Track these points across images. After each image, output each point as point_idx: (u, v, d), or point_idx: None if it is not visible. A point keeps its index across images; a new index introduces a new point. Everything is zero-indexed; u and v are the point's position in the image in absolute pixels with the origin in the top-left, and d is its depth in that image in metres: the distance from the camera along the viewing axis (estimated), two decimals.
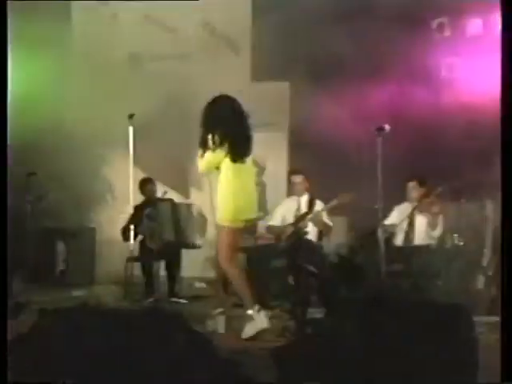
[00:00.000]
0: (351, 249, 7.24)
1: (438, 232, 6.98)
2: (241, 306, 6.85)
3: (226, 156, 5.50)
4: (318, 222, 7.29)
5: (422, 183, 7.28)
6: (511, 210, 3.48)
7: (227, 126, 5.54)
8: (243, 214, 5.54)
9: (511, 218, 3.46)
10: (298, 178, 7.53)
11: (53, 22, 8.89)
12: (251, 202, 5.65)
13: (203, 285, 8.68)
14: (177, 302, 7.04)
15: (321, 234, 7.37)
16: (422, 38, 7.77)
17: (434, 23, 7.45)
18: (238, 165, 5.53)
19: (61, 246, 8.76)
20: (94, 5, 10.15)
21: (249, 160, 5.66)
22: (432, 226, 7.05)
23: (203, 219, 7.66)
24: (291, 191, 7.71)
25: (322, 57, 8.66)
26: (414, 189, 7.30)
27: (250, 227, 9.11)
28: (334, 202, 7.25)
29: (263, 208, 9.48)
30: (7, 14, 3.99)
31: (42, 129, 8.60)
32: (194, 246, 7.61)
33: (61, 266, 8.74)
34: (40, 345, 3.35)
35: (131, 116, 6.68)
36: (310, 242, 7.25)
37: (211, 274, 9.19)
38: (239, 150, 5.56)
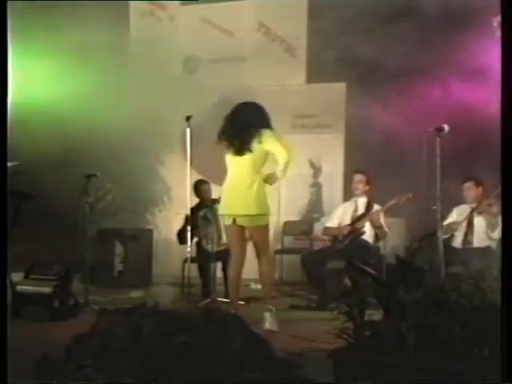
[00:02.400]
0: (409, 250, 7.17)
1: (497, 233, 6.85)
2: (297, 307, 6.91)
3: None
4: (375, 222, 7.25)
5: (478, 184, 7.18)
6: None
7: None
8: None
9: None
10: (359, 177, 7.48)
11: (112, 27, 9.00)
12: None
13: (259, 286, 8.67)
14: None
15: (377, 237, 7.33)
16: (483, 36, 7.63)
17: (495, 20, 7.31)
18: None
19: (119, 248, 8.86)
20: (151, 8, 10.29)
21: None
22: (492, 227, 6.93)
23: None
24: (351, 190, 7.65)
25: (378, 57, 8.60)
26: (470, 190, 7.20)
27: (305, 229, 9.18)
28: (391, 202, 7.21)
29: (319, 209, 9.46)
30: (7, 14, 4.01)
31: (100, 131, 8.72)
32: None
33: (119, 267, 8.83)
34: (100, 344, 3.40)
35: (188, 118, 6.72)
36: (366, 242, 7.23)
37: None
38: None
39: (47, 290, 6.08)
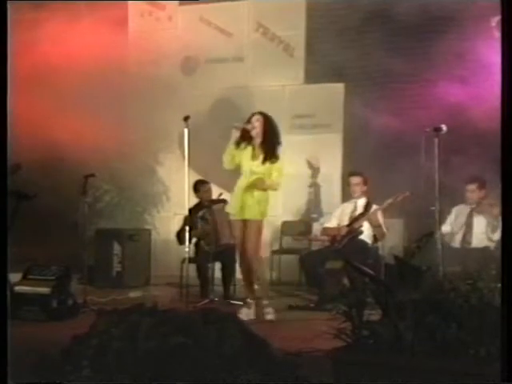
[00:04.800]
0: (408, 250, 7.17)
1: (497, 235, 6.82)
2: (295, 307, 6.92)
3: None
4: (373, 221, 7.25)
5: (481, 186, 7.14)
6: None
7: None
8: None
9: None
10: (356, 180, 7.48)
11: (110, 27, 9.00)
12: None
13: (256, 286, 8.67)
14: (232, 304, 7.06)
15: (376, 237, 7.33)
16: (481, 36, 7.63)
17: (494, 21, 7.32)
18: None
19: (117, 248, 8.86)
20: (149, 8, 10.29)
21: None
22: (492, 228, 6.91)
23: None
24: (349, 192, 7.68)
25: (377, 57, 8.60)
26: (473, 192, 7.17)
27: (304, 229, 9.18)
28: (388, 201, 7.21)
29: (318, 210, 9.46)
30: (7, 14, 4.04)
31: (98, 132, 8.72)
32: None
33: (117, 268, 8.83)
34: (99, 345, 3.40)
35: (186, 118, 6.72)
36: (365, 243, 7.23)
37: (266, 275, 9.20)
38: None
39: (45, 290, 6.08)
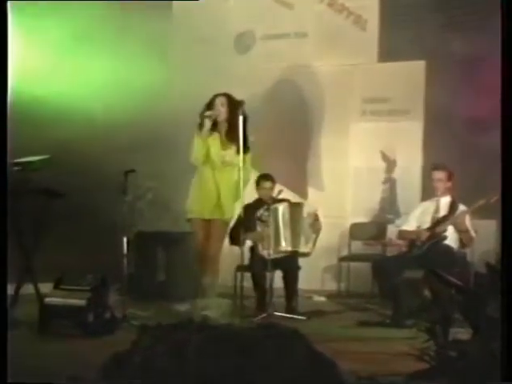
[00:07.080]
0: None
1: None
2: (367, 324, 6.87)
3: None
4: (459, 226, 7.15)
5: None
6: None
7: None
8: None
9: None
10: (439, 174, 7.39)
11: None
12: None
13: (322, 299, 8.67)
14: (294, 319, 7.03)
15: (462, 242, 7.24)
16: None
17: None
18: None
19: (161, 254, 8.90)
20: None
21: None
22: None
23: (318, 223, 7.60)
24: (430, 189, 7.58)
25: (463, 29, 8.49)
26: None
27: (377, 232, 9.11)
28: (480, 203, 7.09)
29: (393, 209, 9.38)
30: (7, 14, 4.31)
31: (140, 122, 8.81)
32: (302, 255, 7.54)
33: (161, 277, 8.88)
34: (141, 365, 3.41)
35: (241, 103, 6.73)
36: (450, 248, 7.14)
37: (332, 286, 9.17)
38: None
39: (80, 302, 6.14)
